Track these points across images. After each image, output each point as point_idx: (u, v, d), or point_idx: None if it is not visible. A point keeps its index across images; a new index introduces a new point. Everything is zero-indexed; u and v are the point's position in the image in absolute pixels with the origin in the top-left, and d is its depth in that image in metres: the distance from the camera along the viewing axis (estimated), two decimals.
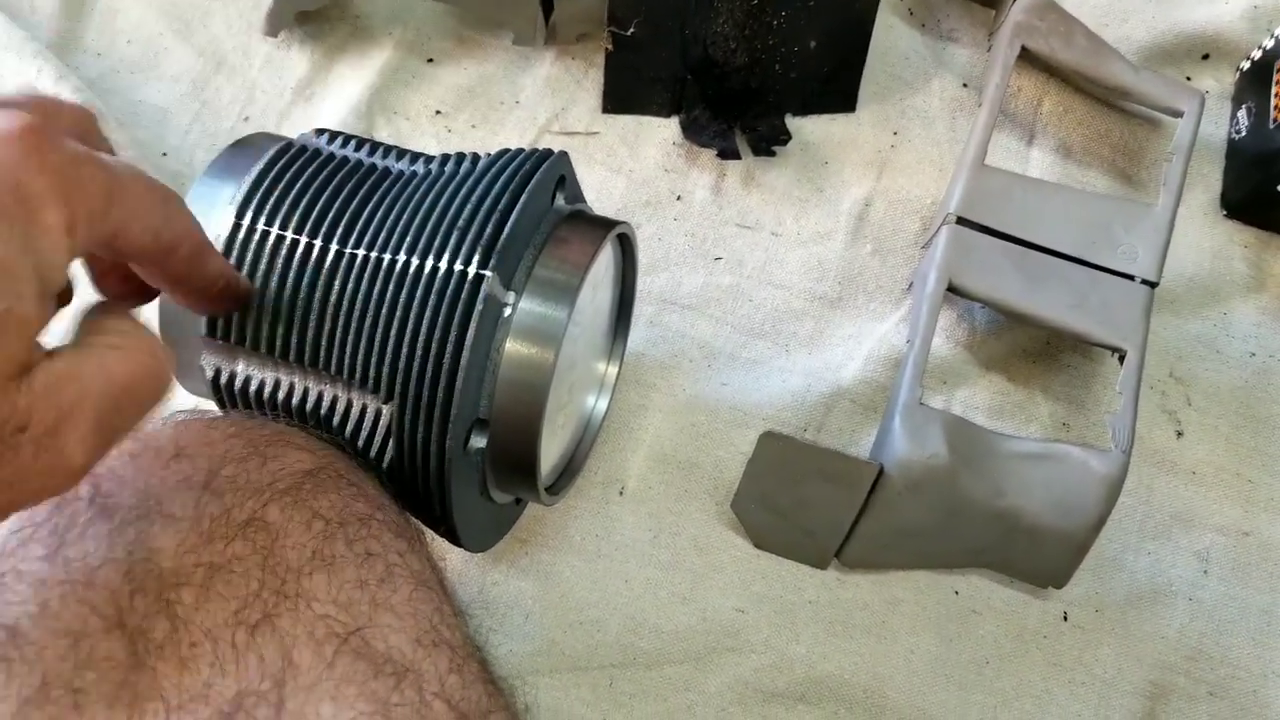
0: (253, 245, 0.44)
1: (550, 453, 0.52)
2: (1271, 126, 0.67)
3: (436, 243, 0.43)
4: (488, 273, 0.42)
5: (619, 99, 0.68)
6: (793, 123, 0.69)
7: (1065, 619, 0.59)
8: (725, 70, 0.66)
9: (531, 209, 0.45)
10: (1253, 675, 0.59)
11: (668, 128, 0.68)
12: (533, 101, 0.68)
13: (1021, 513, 0.55)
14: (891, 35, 0.73)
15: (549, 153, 0.48)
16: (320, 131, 0.51)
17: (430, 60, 0.69)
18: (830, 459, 0.55)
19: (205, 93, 0.67)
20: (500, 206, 0.44)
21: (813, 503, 0.56)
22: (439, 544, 0.56)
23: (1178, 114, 0.64)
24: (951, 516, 0.56)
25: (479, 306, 0.42)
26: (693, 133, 0.67)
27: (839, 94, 0.69)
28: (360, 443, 0.45)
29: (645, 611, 0.57)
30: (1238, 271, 0.69)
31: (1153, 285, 0.60)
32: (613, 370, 0.58)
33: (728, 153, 0.66)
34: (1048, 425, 0.63)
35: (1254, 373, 0.66)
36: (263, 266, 0.44)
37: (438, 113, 0.68)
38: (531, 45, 0.68)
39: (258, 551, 0.35)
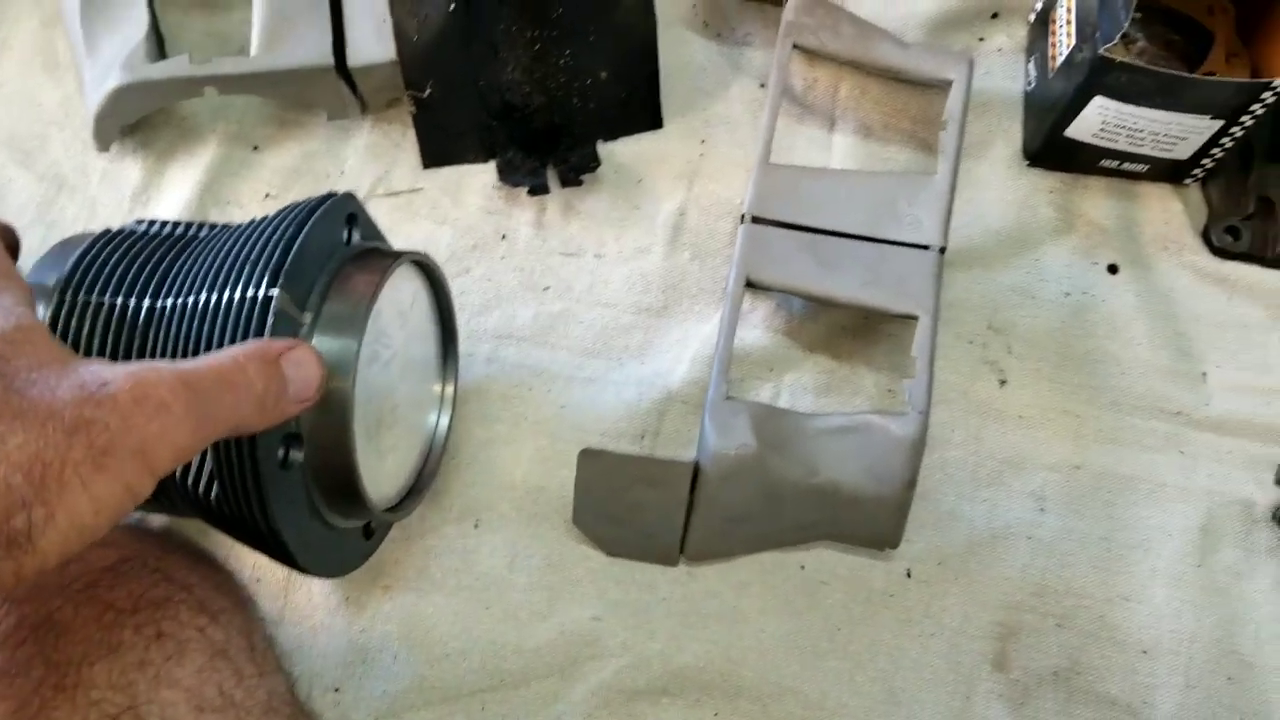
0: (75, 318, 0.50)
1: (384, 471, 0.56)
2: (1051, 75, 0.70)
3: (232, 278, 0.48)
4: (275, 291, 0.47)
5: (435, 154, 0.72)
6: (606, 147, 0.73)
7: (909, 575, 0.63)
8: (526, 112, 0.70)
9: (318, 241, 0.50)
10: (1097, 601, 0.62)
11: (488, 172, 0.72)
12: (356, 170, 0.72)
13: (838, 485, 0.59)
14: (689, 49, 0.76)
15: (334, 194, 0.52)
16: (140, 221, 0.56)
17: (256, 148, 0.73)
18: (646, 465, 0.59)
19: (50, 214, 0.72)
20: (286, 238, 0.48)
21: (643, 507, 0.60)
22: (300, 600, 0.61)
23: (948, 83, 0.67)
24: (772, 499, 0.59)
25: (270, 321, 0.46)
26: (507, 175, 0.71)
27: (643, 114, 0.73)
28: (189, 481, 0.49)
29: (507, 635, 0.60)
30: (1045, 217, 0.72)
31: (940, 250, 0.63)
32: (450, 389, 0.62)
33: (537, 189, 0.70)
34: (874, 395, 0.67)
35: (1070, 311, 0.69)
36: (85, 335, 0.49)
37: (268, 195, 0.72)
38: (347, 118, 0.72)
39: (42, 651, 0.39)
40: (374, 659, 0.60)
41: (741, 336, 0.67)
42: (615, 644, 0.60)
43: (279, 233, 0.49)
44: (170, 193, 0.72)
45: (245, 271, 0.48)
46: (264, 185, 0.72)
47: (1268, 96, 0.63)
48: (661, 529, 0.60)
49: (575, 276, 0.70)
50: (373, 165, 0.73)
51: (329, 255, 0.51)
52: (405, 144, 0.73)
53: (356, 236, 0.54)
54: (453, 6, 0.66)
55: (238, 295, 0.47)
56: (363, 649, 0.60)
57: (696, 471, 0.59)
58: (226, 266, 0.49)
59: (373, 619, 0.60)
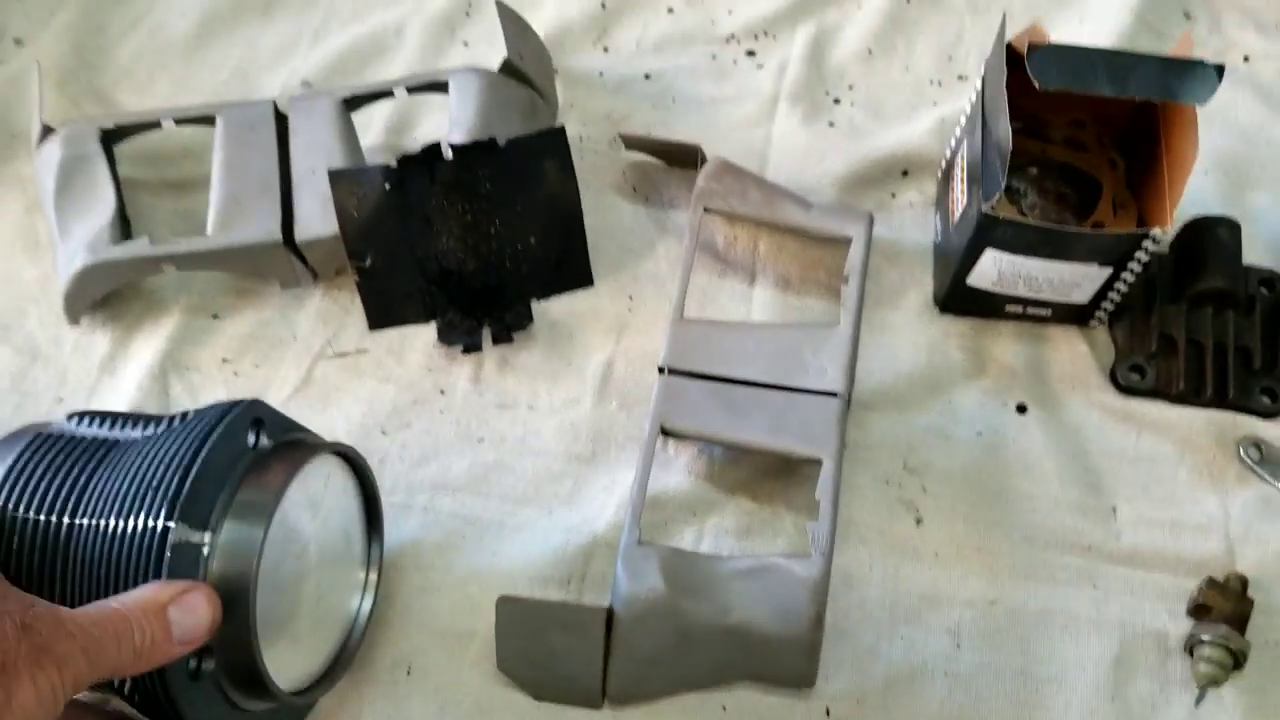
0: (5, 533, 0.53)
1: (298, 657, 0.59)
2: (952, 229, 0.75)
3: (134, 504, 0.51)
4: (173, 524, 0.50)
5: (380, 316, 0.76)
6: (540, 305, 0.78)
7: (828, 714, 0.64)
8: (462, 276, 0.75)
9: (220, 455, 0.53)
10: None
11: (429, 332, 0.77)
12: (308, 333, 0.77)
13: (749, 625, 0.61)
14: (618, 213, 0.82)
15: (239, 402, 0.56)
16: (71, 415, 0.60)
17: (215, 316, 0.78)
18: (562, 611, 0.62)
19: (24, 384, 0.77)
20: (184, 461, 0.52)
21: (562, 652, 0.62)
22: None
23: (849, 240, 0.72)
24: (685, 640, 0.62)
25: (168, 555, 0.50)
26: (445, 335, 0.75)
27: (573, 274, 0.78)
28: (115, 684, 0.52)
29: None
30: (956, 360, 0.76)
31: (845, 397, 0.67)
32: (373, 575, 0.64)
33: (470, 347, 0.74)
34: (793, 535, 0.69)
35: (983, 451, 0.72)
36: (15, 549, 0.53)
37: (224, 360, 0.76)
38: (299, 286, 0.78)
39: None
40: None
41: (665, 481, 0.71)
42: None
43: (181, 452, 0.52)
44: (135, 361, 0.76)
45: (147, 499, 0.51)
46: (222, 351, 0.77)
47: (1148, 243, 0.67)
48: (582, 673, 0.62)
49: (509, 428, 0.74)
50: (323, 328, 0.78)
51: (232, 465, 0.54)
52: (353, 308, 0.78)
53: (264, 440, 0.56)
54: (387, 186, 0.72)
55: (139, 525, 0.51)
56: None
57: (611, 616, 0.61)
58: (133, 491, 0.52)
59: None
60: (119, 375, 0.76)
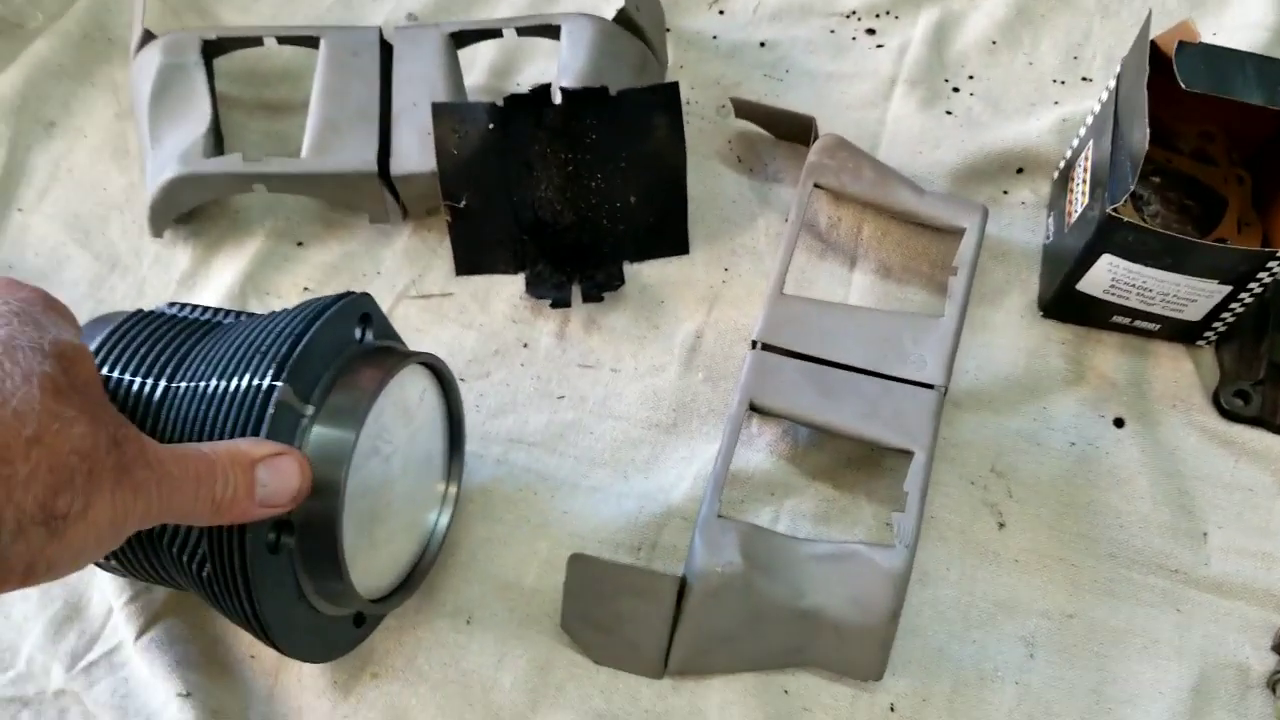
0: None
1: (377, 562, 0.58)
2: (1066, 231, 0.72)
3: (240, 366, 0.51)
4: (279, 383, 0.49)
5: (468, 262, 0.75)
6: (632, 268, 0.76)
7: (893, 710, 0.62)
8: (557, 229, 0.73)
9: (328, 337, 0.53)
10: None
11: (516, 283, 0.75)
12: (392, 271, 0.76)
13: (823, 611, 0.59)
14: (721, 182, 0.80)
15: (350, 293, 0.55)
16: (173, 304, 0.59)
17: (300, 244, 0.77)
18: (634, 575, 0.60)
19: (101, 291, 0.76)
20: (295, 332, 0.51)
21: (629, 617, 0.61)
22: (290, 681, 0.62)
23: (962, 230, 0.70)
24: (757, 619, 0.60)
25: (270, 411, 0.49)
26: (534, 287, 0.74)
27: (670, 239, 0.76)
28: (184, 554, 0.51)
29: None
30: (1055, 367, 0.73)
31: (943, 390, 0.65)
32: (453, 489, 0.64)
33: (559, 302, 0.73)
34: (872, 527, 0.67)
35: (1074, 461, 0.70)
36: None
37: (305, 289, 0.75)
38: (388, 222, 0.76)
39: None
40: None
41: (745, 459, 0.69)
42: None
43: (290, 326, 0.52)
44: (215, 280, 0.76)
45: (254, 362, 0.50)
46: (303, 279, 0.76)
47: (1274, 265, 0.64)
48: (646, 640, 0.61)
49: (590, 388, 0.72)
50: (408, 268, 0.76)
51: (338, 352, 0.53)
52: (441, 251, 0.77)
53: (369, 336, 0.56)
54: (491, 126, 0.70)
55: (244, 384, 0.50)
56: None
57: (683, 586, 0.60)
58: (238, 355, 0.51)
59: (357, 705, 0.61)
60: (196, 292, 0.76)
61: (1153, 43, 0.65)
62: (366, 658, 0.62)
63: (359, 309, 0.56)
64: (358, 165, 0.73)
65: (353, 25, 0.83)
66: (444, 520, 0.63)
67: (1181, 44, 0.62)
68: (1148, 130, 0.62)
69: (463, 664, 0.63)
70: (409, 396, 0.58)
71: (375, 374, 0.53)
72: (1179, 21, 0.64)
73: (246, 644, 0.63)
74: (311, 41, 0.80)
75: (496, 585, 0.65)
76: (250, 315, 0.57)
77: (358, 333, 0.56)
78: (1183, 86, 0.61)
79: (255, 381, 0.50)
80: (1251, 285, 0.66)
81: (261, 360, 0.50)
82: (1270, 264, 0.64)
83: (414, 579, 0.61)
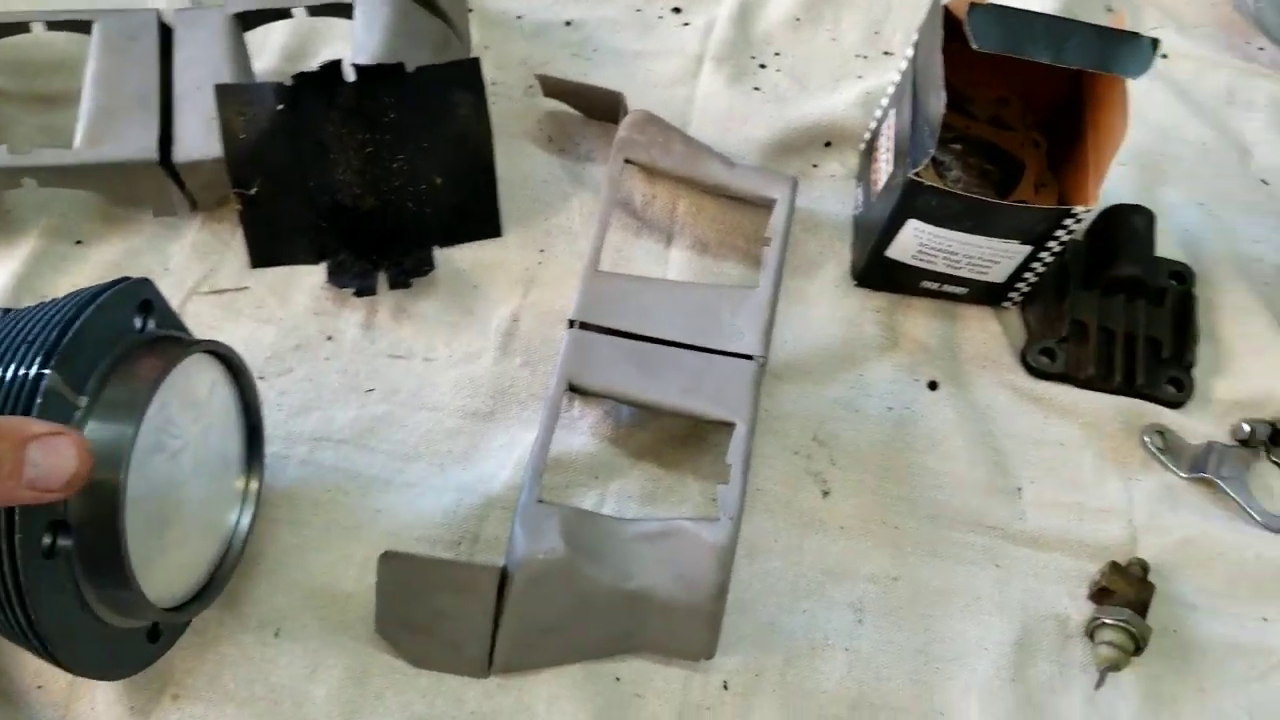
0: None
1: (170, 567, 0.54)
2: (874, 200, 0.73)
3: (6, 356, 0.47)
4: (47, 371, 0.45)
5: (264, 253, 0.71)
6: (444, 252, 0.73)
7: (725, 688, 0.61)
8: (358, 214, 0.70)
9: (104, 326, 0.49)
10: (913, 715, 0.62)
11: (317, 273, 0.72)
12: (182, 267, 0.71)
13: (651, 591, 0.58)
14: (532, 162, 0.78)
15: (127, 279, 0.51)
16: None
17: (79, 242, 0.72)
18: (451, 569, 0.58)
19: None
20: (65, 318, 0.47)
21: (449, 614, 0.58)
22: (83, 710, 0.57)
23: (772, 202, 0.69)
24: (584, 605, 0.58)
25: (39, 400, 0.45)
26: (336, 276, 0.70)
27: (481, 222, 0.73)
28: None
29: None
30: (870, 335, 0.74)
31: (761, 360, 0.64)
32: (253, 485, 0.60)
33: (363, 291, 0.69)
34: (699, 503, 0.66)
35: (893, 426, 0.71)
36: None
37: None
38: (174, 215, 0.72)
39: None
40: None
41: (568, 442, 0.67)
42: None
43: (61, 313, 0.48)
44: None
45: (20, 351, 0.47)
46: (84, 279, 0.70)
47: (1069, 223, 0.66)
48: (468, 638, 0.58)
49: (402, 379, 0.69)
50: (199, 263, 0.72)
51: (115, 340, 0.50)
52: (234, 243, 0.72)
53: (152, 324, 0.52)
54: (280, 107, 0.66)
55: (9, 374, 0.46)
56: None
57: (504, 577, 0.57)
58: (4, 346, 0.47)
59: None
60: None
61: (946, 9, 0.66)
62: (166, 678, 0.58)
63: (137, 295, 0.52)
64: (136, 154, 0.68)
65: (129, 9, 0.78)
66: (245, 520, 0.60)
67: (973, 5, 0.63)
68: (944, 95, 0.63)
69: (271, 679, 0.59)
70: (197, 388, 0.55)
71: (156, 364, 0.50)
72: None
73: (32, 673, 0.58)
74: (84, 27, 0.75)
75: (306, 593, 0.61)
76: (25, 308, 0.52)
77: (137, 321, 0.52)
78: (975, 48, 0.62)
79: (22, 371, 0.46)
80: (1050, 244, 0.68)
81: (29, 349, 0.46)
82: (1066, 221, 0.66)
83: (214, 585, 0.57)
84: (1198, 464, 0.71)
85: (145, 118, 0.69)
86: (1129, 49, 0.63)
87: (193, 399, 0.54)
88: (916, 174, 0.64)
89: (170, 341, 0.53)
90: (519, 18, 0.85)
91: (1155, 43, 0.63)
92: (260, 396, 0.60)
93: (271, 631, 0.60)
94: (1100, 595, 0.65)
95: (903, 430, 0.71)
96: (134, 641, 0.54)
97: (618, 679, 0.61)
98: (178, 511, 0.54)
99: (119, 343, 0.50)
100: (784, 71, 0.85)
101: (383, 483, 0.65)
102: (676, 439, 0.68)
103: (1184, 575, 0.67)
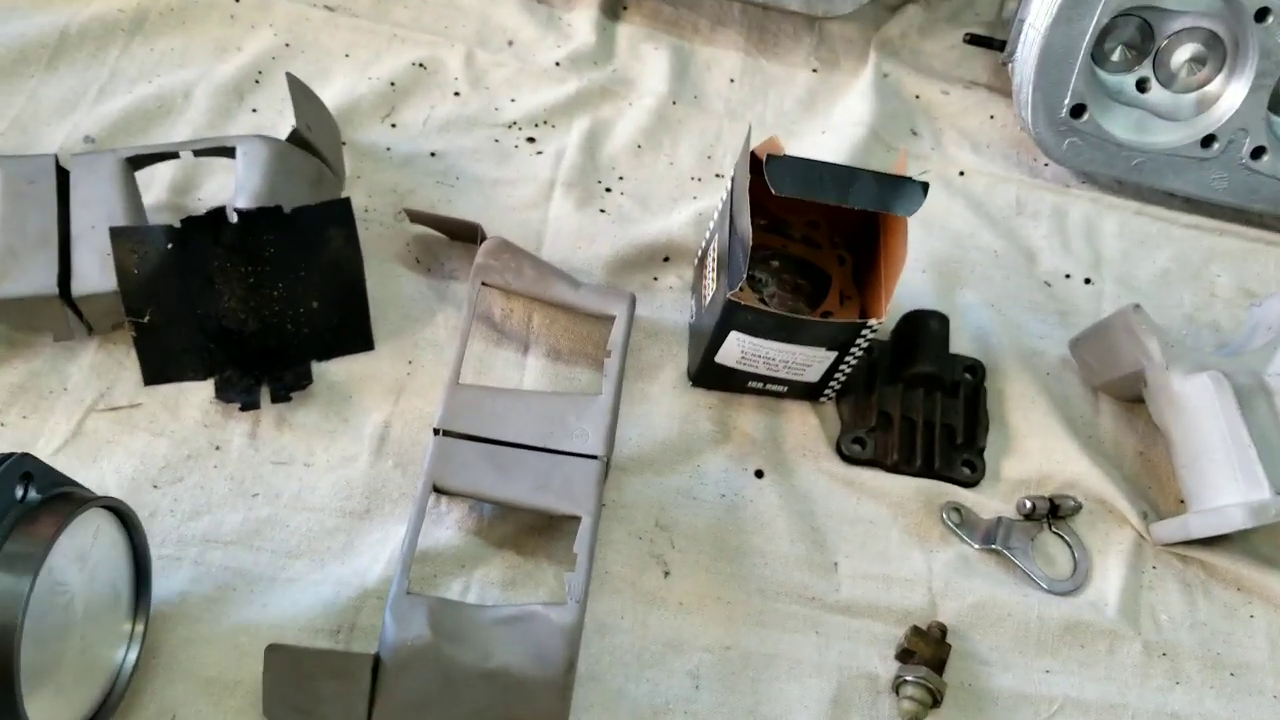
0: None
1: (59, 707, 0.59)
2: (704, 311, 0.83)
3: None
4: None
5: (156, 372, 0.78)
6: (321, 366, 0.81)
7: None
8: (242, 336, 0.78)
9: None
10: None
11: (206, 388, 0.79)
12: (80, 386, 0.78)
13: (509, 669, 0.66)
14: (400, 282, 0.86)
15: (7, 455, 0.56)
16: None
17: None
18: (329, 658, 0.65)
19: None
20: None
21: (328, 698, 0.65)
22: None
23: (613, 317, 0.79)
24: (449, 685, 0.66)
25: None
26: (223, 392, 0.78)
27: (354, 338, 0.82)
28: None
29: None
30: (705, 429, 0.84)
31: (604, 459, 0.74)
32: (139, 627, 0.66)
33: (248, 405, 0.77)
34: (554, 587, 0.75)
35: (725, 510, 0.80)
36: None
37: None
38: (72, 339, 0.78)
39: None
40: None
41: (436, 536, 0.75)
42: None
43: None
44: None
45: None
46: None
47: (866, 332, 0.77)
48: (347, 719, 0.66)
49: (284, 483, 0.76)
50: (96, 382, 0.78)
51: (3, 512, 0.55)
52: (128, 362, 0.79)
53: (33, 493, 0.58)
54: (170, 245, 0.74)
55: None
56: None
57: (377, 663, 0.65)
58: None
59: None
60: None
61: (754, 153, 0.77)
62: None
63: (17, 470, 0.57)
64: (37, 288, 0.74)
65: (27, 154, 0.85)
66: (131, 657, 0.65)
67: (770, 157, 0.74)
68: (749, 226, 0.73)
69: None
70: (81, 541, 0.60)
71: (36, 541, 0.55)
72: (768, 138, 0.76)
73: None
74: None
75: (199, 682, 0.68)
76: None
77: (19, 492, 0.57)
78: (774, 192, 0.73)
79: None
80: (853, 349, 0.79)
81: None
82: (863, 331, 0.77)
83: (104, 713, 0.63)
84: (989, 536, 0.82)
85: (45, 254, 0.76)
86: (904, 191, 0.75)
87: (78, 551, 0.60)
88: (735, 294, 0.75)
89: (49, 510, 0.57)
90: (388, 149, 0.94)
91: (925, 186, 0.75)
92: (147, 528, 0.65)
93: (169, 718, 0.66)
94: (904, 655, 0.75)
95: (734, 514, 0.80)
96: None
97: None
98: (70, 653, 0.59)
99: (2, 520, 0.55)
100: (627, 194, 0.96)
101: (268, 579, 0.72)
102: (534, 529, 0.77)
103: (977, 635, 0.78)
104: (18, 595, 0.53)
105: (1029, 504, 0.83)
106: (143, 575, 0.66)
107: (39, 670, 0.56)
